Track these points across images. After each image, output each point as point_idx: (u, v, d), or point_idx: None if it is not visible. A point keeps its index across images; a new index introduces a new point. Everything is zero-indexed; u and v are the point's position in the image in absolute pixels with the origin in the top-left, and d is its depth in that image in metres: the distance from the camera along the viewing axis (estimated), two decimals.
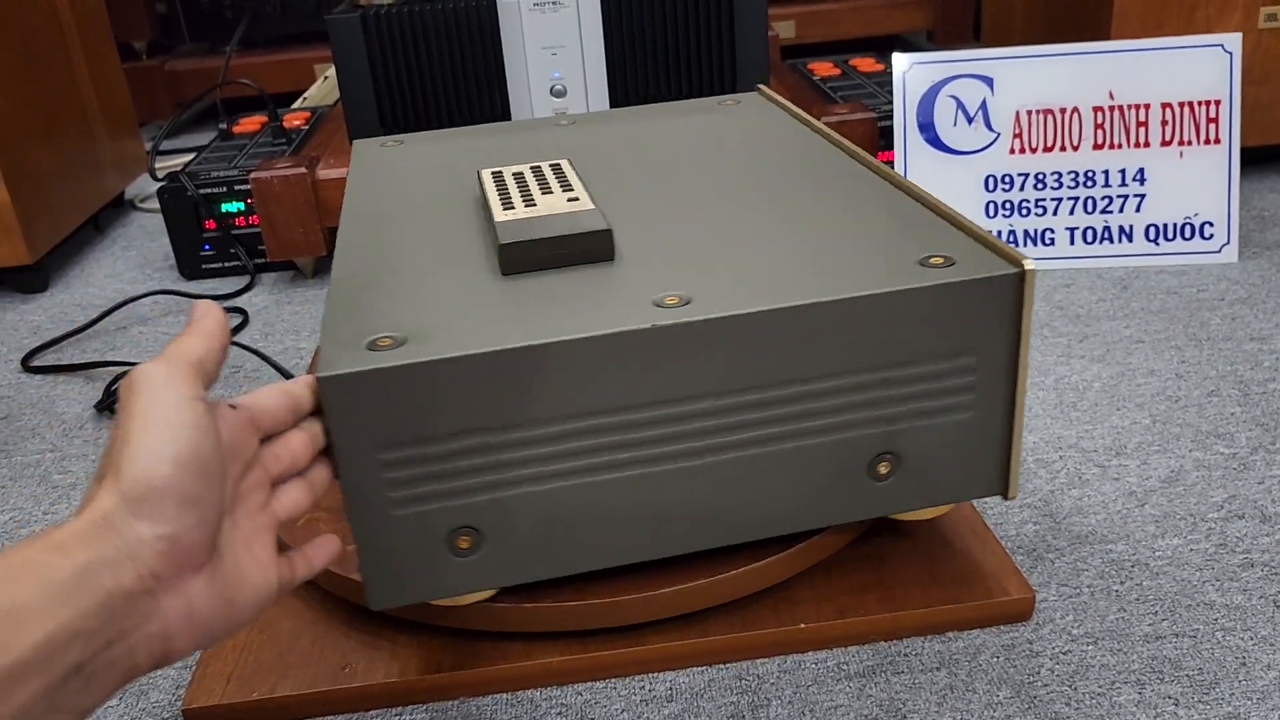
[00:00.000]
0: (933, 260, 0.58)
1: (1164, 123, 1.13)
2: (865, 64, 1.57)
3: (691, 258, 0.61)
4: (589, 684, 0.65)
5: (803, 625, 0.66)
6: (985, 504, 0.77)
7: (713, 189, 0.71)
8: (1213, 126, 1.12)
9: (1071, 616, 0.67)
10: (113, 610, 0.39)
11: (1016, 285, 0.56)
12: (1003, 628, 0.67)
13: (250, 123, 1.55)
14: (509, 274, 0.60)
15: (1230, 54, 1.10)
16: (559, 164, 0.73)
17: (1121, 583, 0.69)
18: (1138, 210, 1.14)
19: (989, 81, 1.14)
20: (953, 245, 0.59)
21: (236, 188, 1.32)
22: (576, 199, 0.66)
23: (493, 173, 0.73)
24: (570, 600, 0.63)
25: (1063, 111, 1.14)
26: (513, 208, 0.66)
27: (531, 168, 0.73)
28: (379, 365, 0.51)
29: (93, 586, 0.38)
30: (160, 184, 1.35)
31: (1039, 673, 0.63)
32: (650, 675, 0.65)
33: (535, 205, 0.65)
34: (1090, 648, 0.65)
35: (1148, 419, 0.86)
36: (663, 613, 0.65)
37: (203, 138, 1.95)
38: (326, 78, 1.73)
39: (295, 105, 1.65)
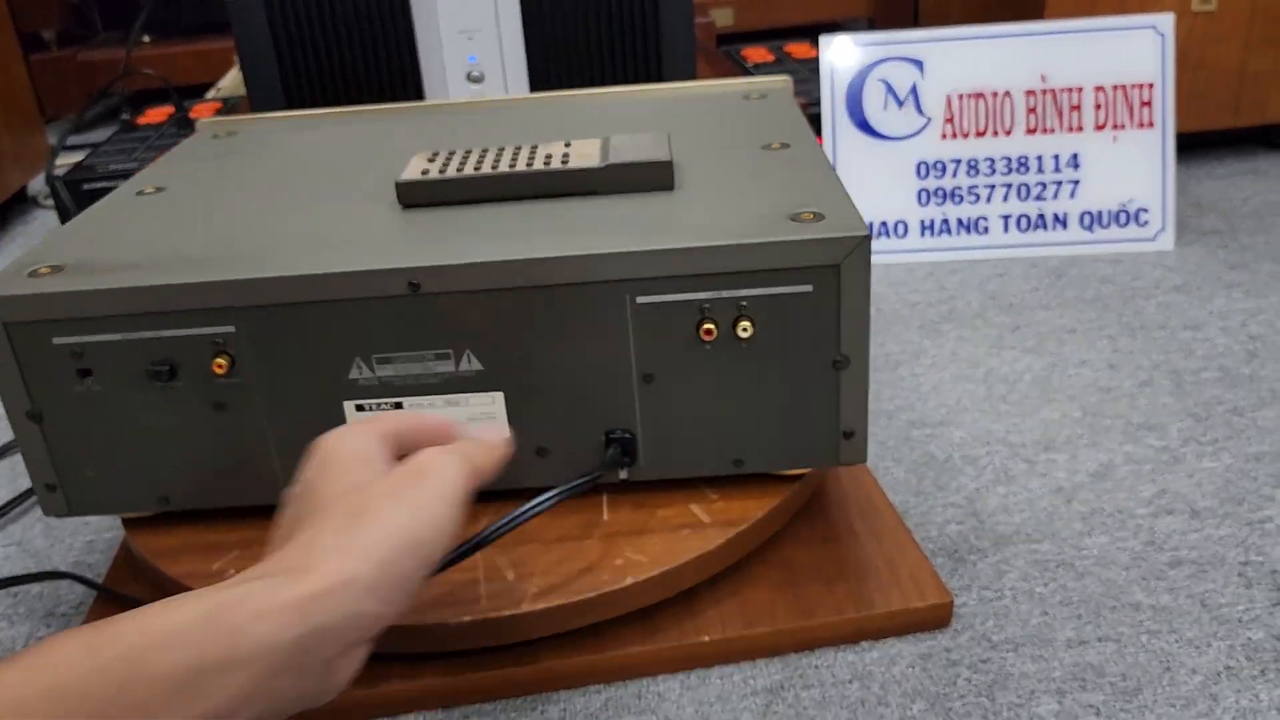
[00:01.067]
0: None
1: (1097, 106, 1.09)
2: (800, 50, 1.53)
3: None
4: (475, 706, 0.59)
5: (707, 638, 0.61)
6: (907, 503, 0.73)
7: None
8: (1146, 110, 1.08)
9: (992, 622, 0.62)
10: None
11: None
12: (920, 635, 0.62)
13: (157, 114, 1.48)
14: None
15: (1163, 35, 1.07)
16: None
17: (1045, 584, 0.65)
18: (1072, 196, 1.10)
19: (919, 64, 1.10)
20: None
21: None
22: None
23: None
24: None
25: (994, 95, 1.10)
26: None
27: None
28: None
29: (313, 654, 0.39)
30: (54, 177, 1.28)
31: (955, 683, 0.58)
32: (540, 696, 0.60)
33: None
34: (1010, 655, 0.60)
35: (1078, 411, 0.82)
36: (553, 628, 0.59)
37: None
38: (239, 67, 1.65)
39: (208, 95, 1.57)
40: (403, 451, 0.48)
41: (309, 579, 0.39)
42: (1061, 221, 1.11)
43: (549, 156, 0.65)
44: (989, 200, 1.11)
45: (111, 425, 0.59)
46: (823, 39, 1.12)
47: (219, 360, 0.57)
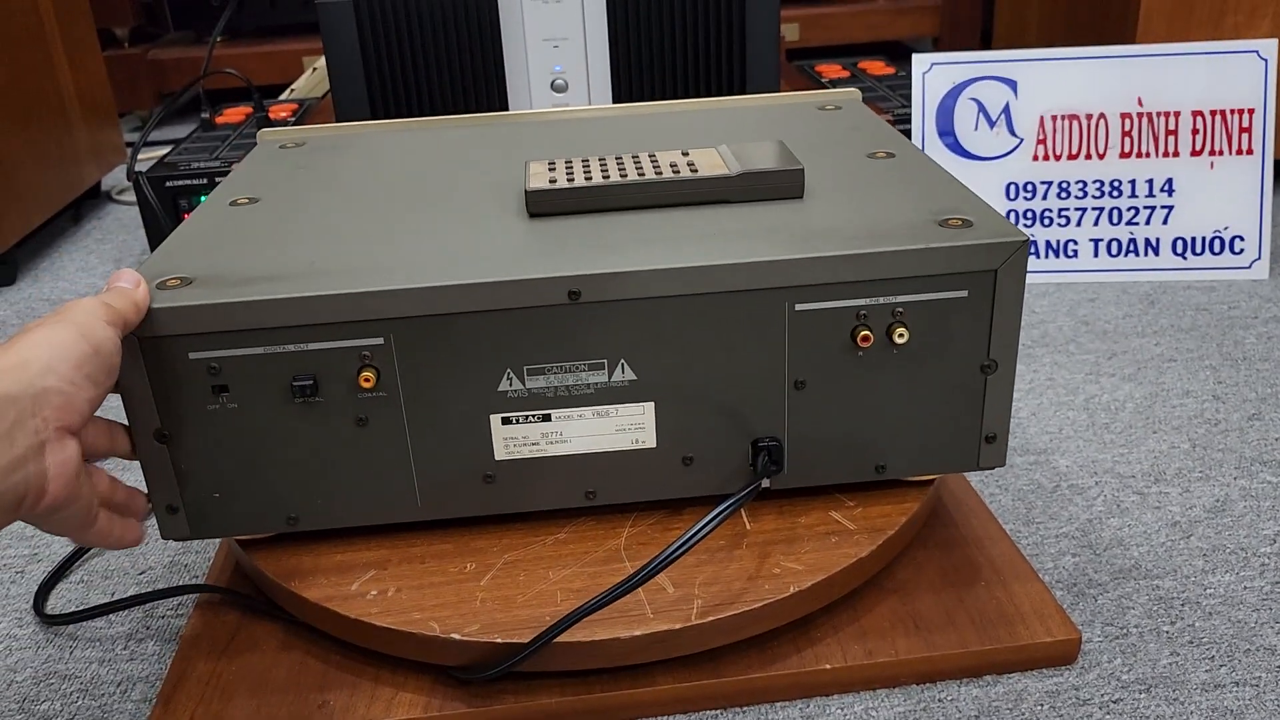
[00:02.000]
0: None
1: (1194, 131, 1.08)
2: (875, 67, 1.52)
3: None
4: None
5: (827, 666, 0.60)
6: (1018, 533, 0.72)
7: None
8: (1245, 136, 1.07)
9: (1120, 660, 0.62)
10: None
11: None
12: (1045, 671, 0.61)
13: (234, 114, 1.49)
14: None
15: (1265, 60, 1.06)
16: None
17: (1172, 623, 0.64)
18: (1165, 223, 1.09)
19: (1012, 84, 1.09)
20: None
21: (218, 179, 1.25)
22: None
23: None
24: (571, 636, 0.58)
25: (1089, 117, 1.09)
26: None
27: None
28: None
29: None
30: (137, 172, 1.29)
31: None
32: (661, 718, 0.60)
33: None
34: (1143, 696, 0.59)
35: (1186, 443, 0.81)
36: (673, 651, 0.59)
37: (187, 130, 1.88)
38: (315, 69, 1.66)
39: (282, 97, 1.58)
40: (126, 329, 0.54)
41: None
42: (1154, 247, 1.09)
43: (674, 165, 0.66)
44: (1079, 224, 1.10)
45: (244, 444, 0.58)
46: (916, 57, 1.11)
47: (366, 374, 0.56)
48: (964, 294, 0.58)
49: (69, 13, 1.47)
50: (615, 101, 1.21)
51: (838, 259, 0.57)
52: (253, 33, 2.01)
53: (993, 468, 0.63)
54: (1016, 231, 0.57)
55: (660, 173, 0.64)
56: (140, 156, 1.64)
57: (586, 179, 0.64)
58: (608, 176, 0.64)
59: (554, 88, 1.20)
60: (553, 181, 0.64)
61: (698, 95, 1.20)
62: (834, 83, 1.45)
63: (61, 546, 0.77)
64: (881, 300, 0.58)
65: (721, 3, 1.15)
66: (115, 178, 1.69)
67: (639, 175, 0.64)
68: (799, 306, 0.58)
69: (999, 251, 0.57)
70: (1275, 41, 1.06)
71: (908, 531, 0.64)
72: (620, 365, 0.59)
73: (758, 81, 1.18)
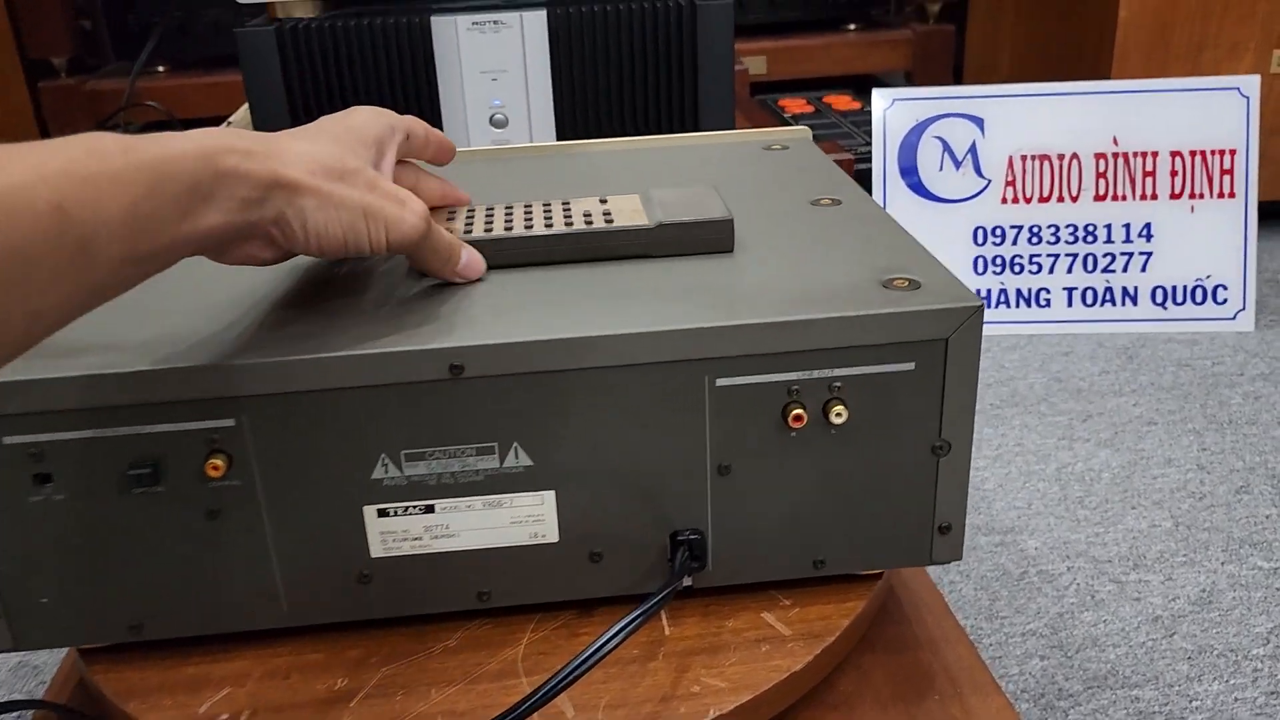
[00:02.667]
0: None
1: (1174, 173, 1.01)
2: (841, 101, 1.46)
3: None
4: None
5: None
6: (980, 630, 0.64)
7: None
8: (1227, 178, 1.00)
9: None
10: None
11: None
12: None
13: None
14: None
15: (1248, 98, 0.99)
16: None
17: None
18: (1143, 270, 1.02)
19: (979, 122, 1.02)
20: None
21: None
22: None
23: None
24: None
25: (1061, 158, 1.02)
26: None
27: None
28: None
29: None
30: None
31: None
32: None
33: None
34: None
35: (1169, 521, 0.73)
36: None
37: None
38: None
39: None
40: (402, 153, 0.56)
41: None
42: (1131, 297, 1.02)
43: (588, 215, 0.58)
44: (1052, 271, 1.03)
45: (75, 540, 0.50)
46: (876, 92, 1.04)
47: (215, 460, 0.48)
48: (910, 366, 0.51)
49: None
50: (559, 137, 1.14)
51: (765, 326, 0.49)
52: (195, 64, 1.93)
53: (947, 562, 0.55)
54: (969, 295, 0.50)
55: (570, 223, 0.57)
56: None
57: (487, 231, 0.56)
58: (510, 228, 0.57)
59: (493, 123, 1.12)
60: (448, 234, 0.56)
61: (647, 132, 1.13)
62: (796, 118, 1.39)
63: None
64: (816, 374, 0.50)
65: (672, 34, 1.08)
66: None
67: (546, 228, 0.56)
68: (721, 381, 0.50)
69: (950, 318, 0.50)
70: (1258, 78, 0.99)
71: (851, 635, 0.56)
72: (513, 449, 0.51)
73: (711, 118, 1.11)
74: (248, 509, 0.50)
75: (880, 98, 1.03)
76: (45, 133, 1.57)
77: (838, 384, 0.51)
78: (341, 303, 0.54)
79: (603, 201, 0.61)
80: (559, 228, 0.57)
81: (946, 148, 1.02)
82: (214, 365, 0.47)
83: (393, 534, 0.52)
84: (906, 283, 0.52)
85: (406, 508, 0.51)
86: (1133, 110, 1.01)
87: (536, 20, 1.08)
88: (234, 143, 0.43)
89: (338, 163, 0.47)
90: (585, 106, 1.10)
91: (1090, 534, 0.72)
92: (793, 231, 0.60)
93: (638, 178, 0.72)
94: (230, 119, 1.58)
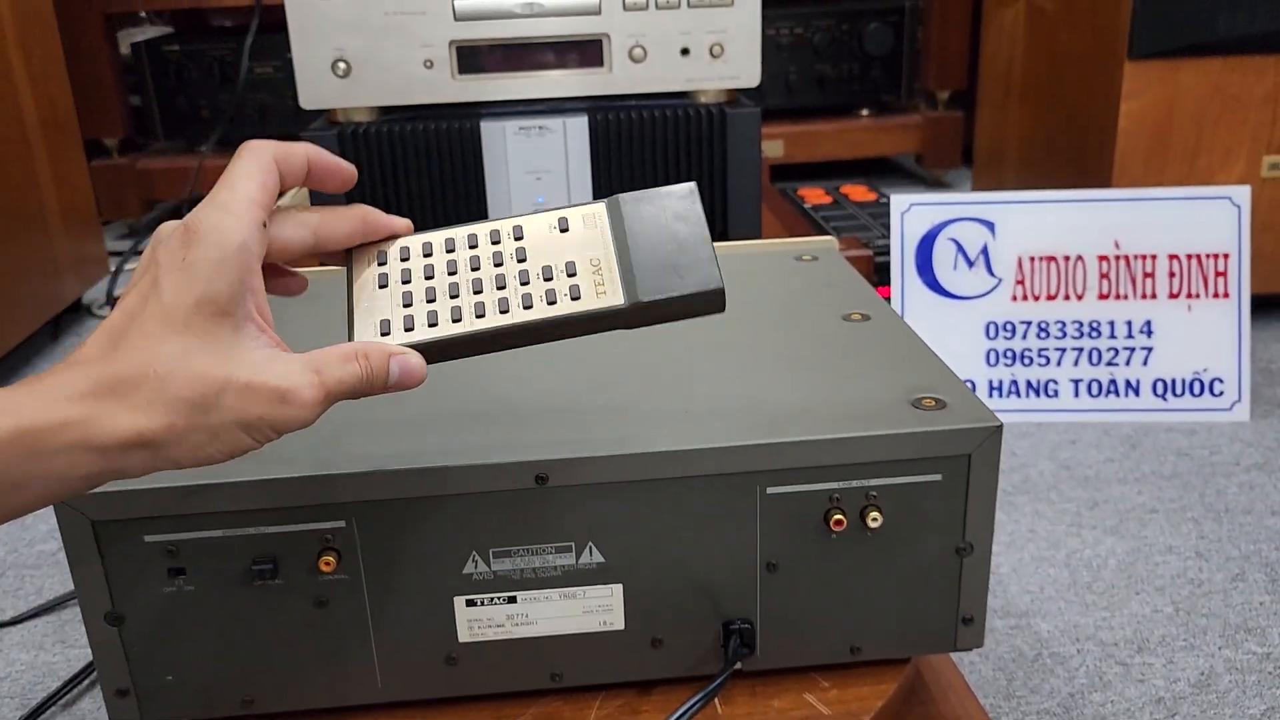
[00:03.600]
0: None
1: (1171, 274, 1.08)
2: (857, 193, 1.54)
3: None
4: None
5: None
6: (999, 709, 0.70)
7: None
8: (1221, 280, 1.08)
9: None
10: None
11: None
12: None
13: None
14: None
15: (1239, 207, 1.07)
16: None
17: None
18: (1145, 364, 1.09)
19: (990, 226, 1.10)
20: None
21: None
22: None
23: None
24: None
25: (1067, 259, 1.09)
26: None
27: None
28: None
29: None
30: (117, 296, 1.28)
31: None
32: None
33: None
34: None
35: (1170, 606, 0.80)
36: None
37: None
38: (300, 188, 1.67)
39: None
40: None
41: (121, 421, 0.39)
42: (1134, 388, 1.09)
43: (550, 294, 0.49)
44: (1059, 363, 1.10)
45: (200, 626, 0.56)
46: (894, 199, 1.12)
47: (327, 557, 0.55)
48: (938, 478, 0.58)
49: (56, 125, 1.48)
50: None
51: (811, 444, 0.56)
52: (241, 144, 2.02)
53: (970, 649, 0.62)
54: (990, 415, 0.57)
55: (529, 306, 0.48)
56: (127, 268, 1.64)
57: (430, 326, 0.48)
58: (458, 319, 0.48)
59: None
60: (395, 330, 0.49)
61: None
62: (816, 208, 1.46)
63: (11, 710, 0.74)
64: (854, 484, 0.57)
65: (704, 138, 1.16)
66: (97, 291, 1.68)
67: (501, 313, 0.48)
68: (770, 490, 0.57)
69: (973, 437, 0.57)
70: (1248, 188, 1.07)
71: (885, 714, 0.62)
72: (588, 548, 0.57)
73: (739, 216, 1.19)
74: (353, 599, 0.57)
75: (898, 203, 1.11)
76: (99, 211, 1.65)
77: (874, 492, 0.58)
78: (435, 405, 0.60)
79: (566, 246, 0.50)
80: (515, 314, 0.48)
81: (960, 248, 1.10)
82: (330, 475, 0.54)
83: (479, 621, 0.58)
84: (934, 402, 0.59)
85: (492, 598, 0.58)
86: (1133, 216, 1.08)
87: (578, 125, 1.16)
88: (63, 413, 0.39)
89: (198, 384, 0.41)
90: None
91: (1098, 618, 0.79)
92: (829, 347, 0.67)
93: None
94: (280, 201, 1.67)
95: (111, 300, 1.22)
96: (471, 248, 0.50)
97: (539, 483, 0.55)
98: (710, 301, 0.47)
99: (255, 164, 0.47)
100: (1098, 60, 1.23)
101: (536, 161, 1.17)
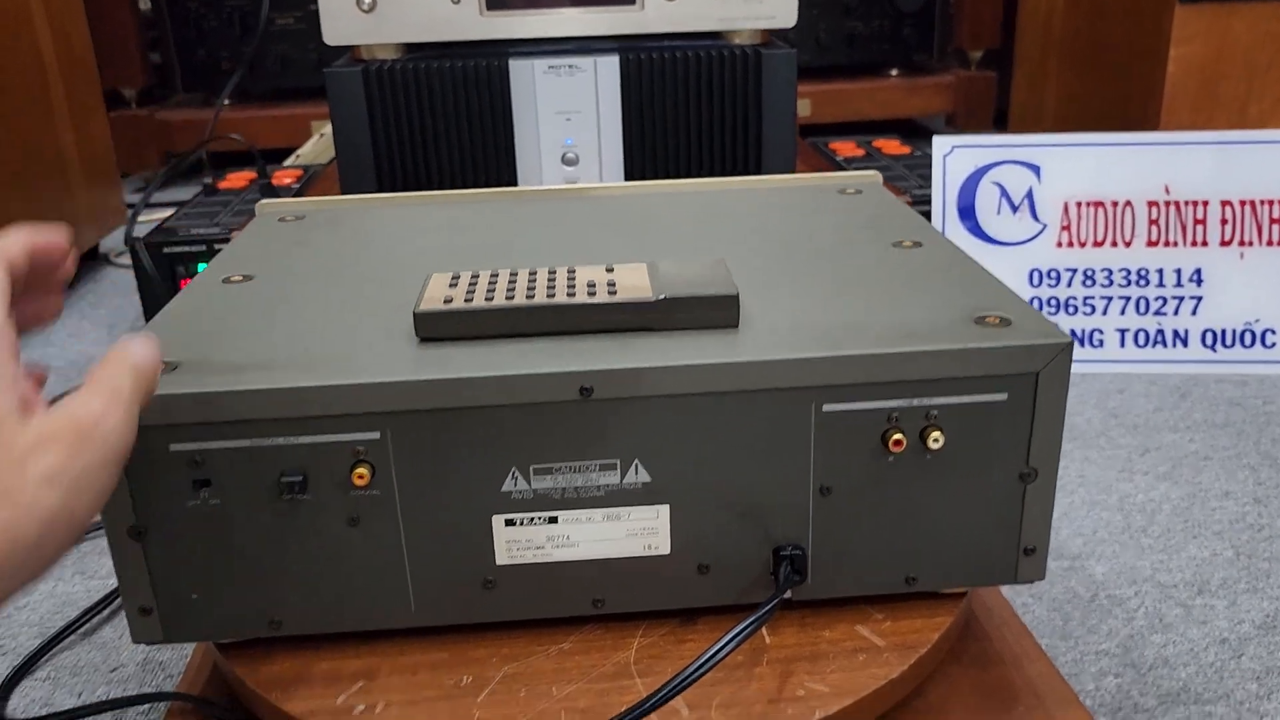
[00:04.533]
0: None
1: (1223, 221, 1.05)
2: (890, 146, 1.50)
3: None
4: None
5: None
6: (1055, 648, 0.67)
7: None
8: (1276, 228, 1.04)
9: None
10: None
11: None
12: None
13: (237, 179, 1.47)
14: None
15: None
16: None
17: None
18: (1194, 313, 1.05)
19: (1036, 169, 1.06)
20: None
21: (217, 246, 1.22)
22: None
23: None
24: None
25: (1114, 205, 1.06)
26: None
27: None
28: None
29: None
30: (134, 238, 1.26)
31: None
32: None
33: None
34: None
35: (1230, 550, 0.76)
36: None
37: (190, 192, 1.86)
38: (321, 135, 1.65)
39: (286, 163, 1.56)
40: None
41: None
42: (1182, 339, 1.06)
43: (592, 285, 0.58)
44: (1105, 312, 1.06)
45: (226, 542, 0.54)
46: (936, 139, 1.08)
47: (360, 470, 0.52)
48: (1003, 397, 0.54)
49: (76, 73, 1.45)
50: (627, 177, 1.18)
51: (871, 358, 0.53)
52: (261, 96, 2.00)
53: (1031, 581, 0.59)
54: (1059, 333, 0.54)
55: (573, 293, 0.57)
56: (141, 219, 1.61)
57: (488, 298, 0.56)
58: (511, 296, 0.56)
59: (564, 161, 1.17)
60: (448, 301, 0.56)
61: (711, 173, 1.17)
62: (849, 161, 1.43)
63: (29, 638, 0.72)
64: (915, 402, 0.54)
65: (738, 80, 1.13)
66: (114, 240, 1.66)
67: (548, 296, 0.56)
68: (827, 408, 0.54)
69: (1041, 354, 0.53)
70: None
71: (941, 648, 0.59)
72: (634, 466, 0.54)
73: (773, 160, 1.15)
74: (386, 516, 0.54)
75: (940, 144, 1.07)
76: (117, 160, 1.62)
77: (934, 412, 0.54)
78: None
79: (609, 270, 0.60)
80: (561, 298, 0.56)
81: (1004, 193, 1.06)
82: (363, 383, 0.52)
83: (517, 543, 0.56)
84: (999, 320, 0.56)
85: (532, 518, 0.55)
86: (1184, 160, 1.05)
87: (609, 65, 1.13)
88: None
89: None
90: (653, 147, 1.15)
91: (1155, 561, 0.76)
92: (882, 271, 0.64)
93: (713, 219, 0.76)
94: (298, 151, 1.64)
95: (132, 250, 1.20)
96: (530, 273, 0.60)
97: (584, 395, 0.52)
98: (726, 308, 0.56)
99: None
100: (1146, 6, 1.19)
101: (566, 102, 1.14)
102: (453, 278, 0.60)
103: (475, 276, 0.60)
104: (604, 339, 0.55)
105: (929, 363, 0.53)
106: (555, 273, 0.60)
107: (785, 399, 0.53)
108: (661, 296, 0.56)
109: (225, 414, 0.51)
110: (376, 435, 0.52)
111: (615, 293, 0.57)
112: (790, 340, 0.54)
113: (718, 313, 0.56)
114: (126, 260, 1.56)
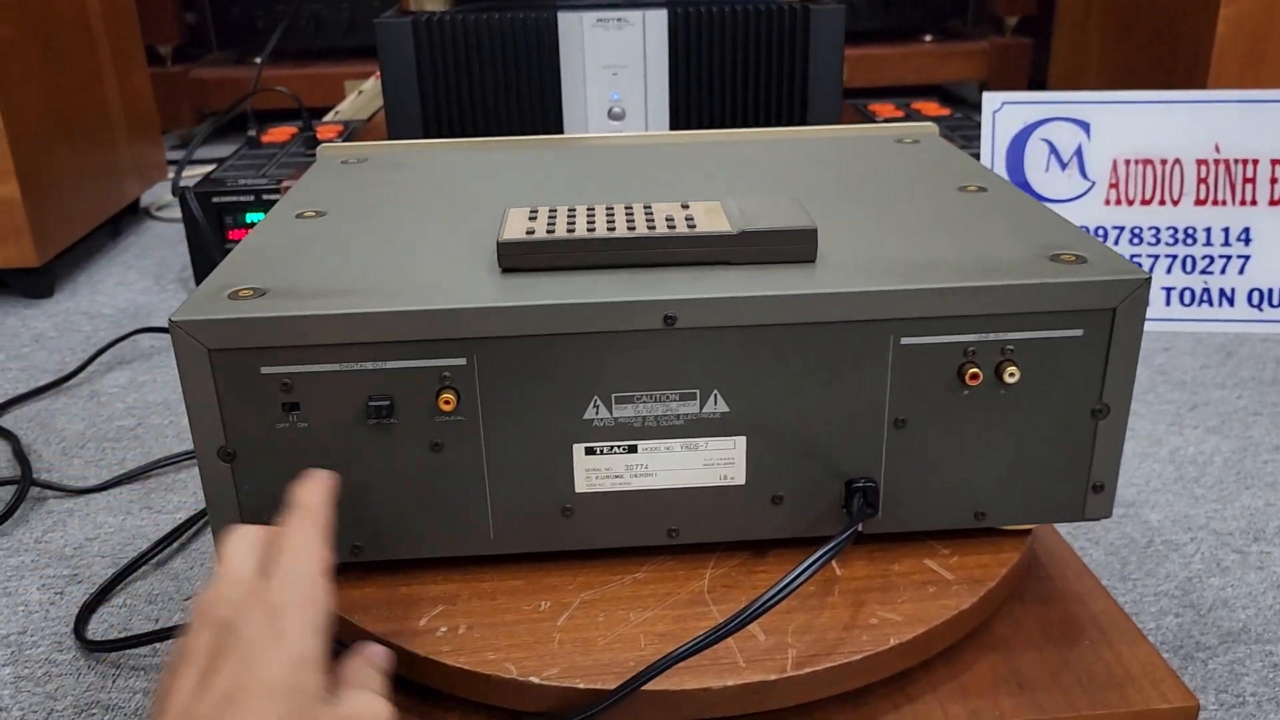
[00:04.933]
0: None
1: (1274, 180, 1.04)
2: (929, 108, 1.50)
3: None
4: None
5: None
6: (1115, 590, 0.68)
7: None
8: None
9: None
10: None
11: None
12: None
13: (280, 133, 1.47)
14: None
15: None
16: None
17: None
18: (1241, 273, 1.06)
19: (1085, 126, 1.06)
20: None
21: (265, 196, 1.23)
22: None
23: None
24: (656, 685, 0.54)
25: (1164, 163, 1.06)
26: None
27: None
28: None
29: None
30: (183, 187, 1.27)
31: None
32: None
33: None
34: None
35: None
36: (767, 703, 0.55)
37: (224, 150, 1.87)
38: (360, 92, 1.65)
39: (327, 118, 1.57)
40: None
41: None
42: (1228, 298, 1.06)
43: (670, 219, 0.59)
44: (1152, 270, 1.07)
45: (312, 466, 0.55)
46: (986, 96, 1.08)
47: (446, 396, 0.53)
48: (1079, 333, 0.55)
49: (119, 26, 1.46)
50: (673, 130, 1.18)
51: (950, 291, 0.53)
52: (295, 55, 2.00)
53: (1099, 519, 0.60)
54: (1136, 269, 0.54)
55: (653, 226, 0.58)
56: (183, 174, 1.62)
57: (569, 229, 0.58)
58: (592, 229, 0.58)
59: (610, 115, 1.17)
60: (530, 233, 0.57)
61: (756, 126, 1.18)
62: (890, 121, 1.43)
63: (103, 568, 0.74)
64: (991, 337, 0.55)
65: (785, 35, 1.13)
66: (155, 194, 1.67)
67: (629, 229, 0.57)
68: (905, 340, 0.54)
69: (1119, 289, 0.54)
70: None
71: (1008, 583, 0.60)
72: (713, 396, 0.55)
73: (819, 114, 1.15)
74: (469, 443, 0.55)
75: (990, 101, 1.07)
76: None
77: (1010, 347, 0.55)
78: None
79: (684, 206, 0.61)
80: (641, 230, 0.57)
81: (1053, 150, 1.06)
82: (451, 308, 0.52)
83: (597, 471, 0.56)
84: (1074, 258, 0.56)
85: (612, 447, 0.56)
86: (1235, 119, 1.04)
87: (658, 19, 1.13)
88: None
89: None
90: (699, 103, 1.15)
91: (1209, 509, 0.76)
92: (951, 212, 0.64)
93: (775, 165, 0.76)
94: (338, 107, 1.65)
95: (181, 200, 1.21)
96: (608, 208, 0.60)
97: (667, 323, 0.53)
98: (804, 241, 0.56)
99: (314, 530, 0.48)
100: None
101: (613, 56, 1.14)
102: (531, 212, 0.60)
103: (554, 211, 0.61)
104: (684, 271, 0.56)
105: (1007, 297, 0.54)
106: (632, 208, 0.61)
107: (863, 331, 0.54)
108: (741, 230, 0.56)
109: (315, 338, 0.52)
110: (463, 361, 0.53)
111: (694, 226, 0.57)
112: (868, 274, 0.55)
113: (796, 246, 0.56)
114: (168, 214, 1.57)
